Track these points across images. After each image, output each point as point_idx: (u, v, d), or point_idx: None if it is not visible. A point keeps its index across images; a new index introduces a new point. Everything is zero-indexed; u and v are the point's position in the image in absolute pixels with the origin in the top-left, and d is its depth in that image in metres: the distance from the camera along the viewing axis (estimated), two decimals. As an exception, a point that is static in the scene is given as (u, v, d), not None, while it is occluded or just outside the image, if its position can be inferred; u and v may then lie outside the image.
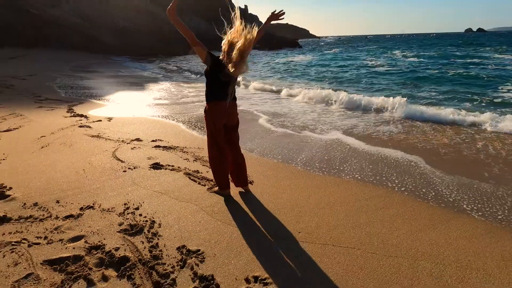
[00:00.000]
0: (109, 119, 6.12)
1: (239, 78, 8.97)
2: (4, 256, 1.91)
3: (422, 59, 22.22)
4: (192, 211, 2.61)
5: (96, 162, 3.66)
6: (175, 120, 6.20)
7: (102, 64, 20.89)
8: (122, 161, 3.71)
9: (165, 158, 3.85)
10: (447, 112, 6.40)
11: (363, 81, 12.89)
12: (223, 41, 2.53)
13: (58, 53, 24.84)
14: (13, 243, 2.04)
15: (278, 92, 10.52)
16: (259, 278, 1.79)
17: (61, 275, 1.76)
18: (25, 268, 1.81)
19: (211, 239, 2.20)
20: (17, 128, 5.06)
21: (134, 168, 3.51)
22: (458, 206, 2.84)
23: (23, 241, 2.06)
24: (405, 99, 7.20)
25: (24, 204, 2.57)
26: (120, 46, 32.47)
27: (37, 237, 2.12)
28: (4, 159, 3.60)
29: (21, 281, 1.70)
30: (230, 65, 2.40)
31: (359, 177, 3.47)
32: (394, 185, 3.27)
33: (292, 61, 24.80)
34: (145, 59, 28.68)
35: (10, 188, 2.84)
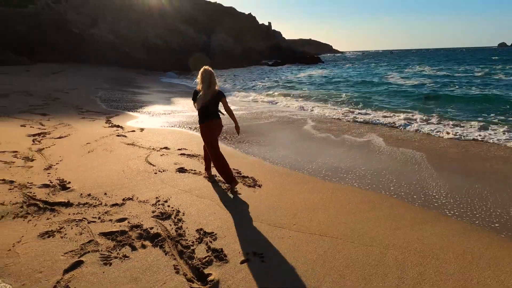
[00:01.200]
0: (141, 129, 7.00)
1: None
2: (72, 228, 2.61)
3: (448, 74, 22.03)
4: (209, 204, 3.22)
5: (133, 166, 4.40)
6: (198, 131, 6.96)
7: (137, 79, 22.68)
8: (153, 165, 4.43)
9: (189, 164, 4.53)
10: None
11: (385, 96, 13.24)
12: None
13: (94, 68, 27.21)
14: (76, 220, 2.74)
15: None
16: (257, 253, 2.34)
17: (113, 242, 2.41)
18: (87, 236, 2.48)
19: (223, 225, 2.78)
20: (67, 136, 6.02)
21: (163, 171, 4.21)
22: (441, 210, 3.22)
23: (83, 219, 2.76)
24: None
25: (81, 194, 3.31)
26: (150, 61, 34.85)
27: (93, 217, 2.81)
28: (61, 160, 4.44)
29: (86, 244, 2.37)
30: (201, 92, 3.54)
31: (356, 185, 3.93)
32: (388, 191, 3.70)
33: (312, 75, 25.45)
34: (174, 73, 30.61)
35: (69, 182, 3.61)
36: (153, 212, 2.98)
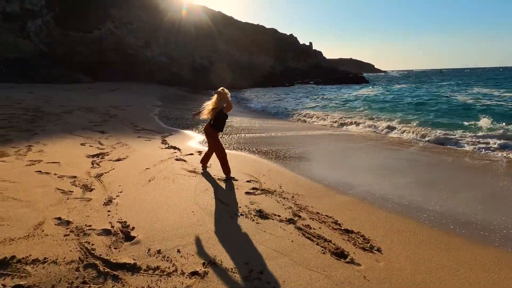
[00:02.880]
0: (199, 152, 6.33)
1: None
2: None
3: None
4: (324, 285, 2.18)
5: (202, 203, 3.59)
6: (264, 156, 6.08)
7: (187, 96, 23.22)
8: (226, 204, 3.57)
9: (267, 205, 3.60)
10: None
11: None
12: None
13: (146, 87, 28.68)
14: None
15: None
16: None
17: None
18: None
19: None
20: (125, 158, 5.53)
21: (241, 215, 3.31)
22: None
23: (157, 301, 1.90)
24: None
25: (149, 250, 2.51)
26: (197, 80, 36.14)
27: (170, 298, 1.94)
28: (121, 192, 3.80)
29: None
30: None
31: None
32: None
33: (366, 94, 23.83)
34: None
35: (133, 228, 2.87)
36: (249, 293, 2.03)
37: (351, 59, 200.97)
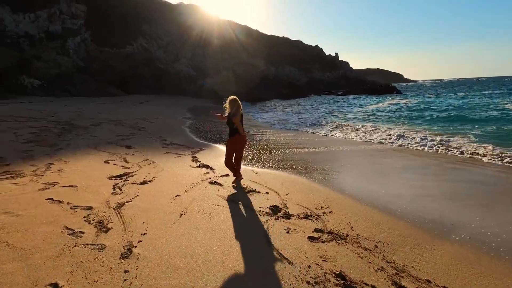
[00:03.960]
0: (236, 173, 5.36)
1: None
2: None
3: None
4: None
5: (253, 257, 2.55)
6: (315, 179, 4.96)
7: (214, 108, 22.83)
8: (289, 262, 2.49)
9: (348, 264, 2.47)
10: None
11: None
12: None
13: (175, 99, 28.86)
14: None
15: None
16: None
17: None
18: None
19: None
20: (151, 181, 4.68)
21: (316, 284, 2.21)
22: None
23: None
24: None
25: None
26: (222, 92, 36.05)
27: None
28: (145, 233, 2.87)
29: None
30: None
31: None
32: None
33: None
34: (246, 103, 30.74)
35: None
36: None
37: (378, 69, 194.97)
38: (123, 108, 18.32)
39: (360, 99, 34.57)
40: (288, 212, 3.56)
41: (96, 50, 31.41)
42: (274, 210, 3.64)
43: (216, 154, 7.04)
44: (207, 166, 5.83)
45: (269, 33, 58.42)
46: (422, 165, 6.37)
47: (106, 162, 5.74)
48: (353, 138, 10.35)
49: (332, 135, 11.24)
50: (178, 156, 6.72)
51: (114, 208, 3.39)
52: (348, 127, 12.76)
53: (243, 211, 3.58)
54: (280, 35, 61.55)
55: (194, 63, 38.28)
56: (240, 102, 4.59)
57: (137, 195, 3.92)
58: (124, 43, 33.16)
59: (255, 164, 6.20)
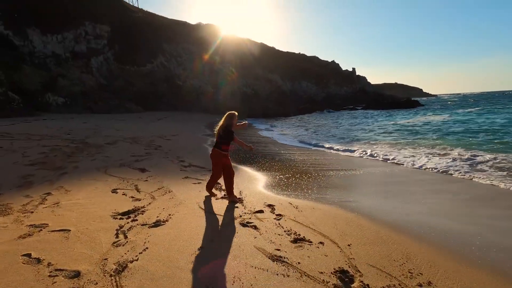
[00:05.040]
0: (272, 208, 4.21)
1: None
2: None
3: None
4: None
5: None
6: (382, 220, 3.70)
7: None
8: None
9: None
10: None
11: None
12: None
13: (192, 115, 28.50)
14: None
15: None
16: None
17: None
18: None
19: None
20: (166, 221, 3.61)
21: None
22: None
23: None
24: None
25: None
26: (241, 108, 35.47)
27: None
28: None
29: None
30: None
31: None
32: None
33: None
34: (264, 119, 29.86)
35: None
36: None
37: (396, 83, 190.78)
38: (141, 124, 17.85)
39: (384, 114, 32.83)
40: (365, 283, 2.35)
41: (118, 69, 32.00)
42: (344, 278, 2.44)
43: (244, 179, 5.94)
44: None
45: (285, 50, 58.42)
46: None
47: (114, 191, 4.77)
48: (400, 162, 8.92)
49: (371, 154, 9.86)
50: (199, 182, 5.67)
51: (111, 275, 2.32)
52: (385, 145, 11.35)
53: (299, 280, 2.39)
54: (296, 52, 61.33)
55: (211, 79, 38.26)
56: (233, 115, 4.67)
57: (146, 248, 2.84)
58: (145, 61, 33.66)
59: (291, 194, 5.04)
